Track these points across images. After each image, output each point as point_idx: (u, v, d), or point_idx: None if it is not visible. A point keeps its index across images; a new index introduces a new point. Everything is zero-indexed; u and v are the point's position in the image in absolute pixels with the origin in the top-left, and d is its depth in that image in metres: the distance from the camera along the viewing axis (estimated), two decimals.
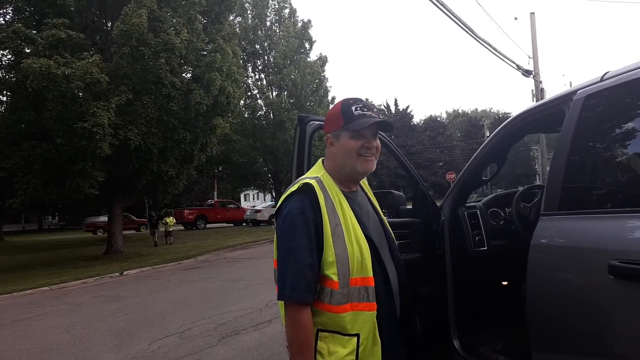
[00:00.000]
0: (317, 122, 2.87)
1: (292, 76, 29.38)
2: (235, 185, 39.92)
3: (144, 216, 36.73)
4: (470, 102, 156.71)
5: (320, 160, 1.95)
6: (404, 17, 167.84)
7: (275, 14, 32.25)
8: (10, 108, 18.53)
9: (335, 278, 1.65)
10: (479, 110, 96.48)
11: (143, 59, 16.05)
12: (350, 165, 1.80)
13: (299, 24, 32.30)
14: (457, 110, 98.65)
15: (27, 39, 15.71)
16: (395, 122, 72.03)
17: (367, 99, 2.24)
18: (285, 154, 28.52)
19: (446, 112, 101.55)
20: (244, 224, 33.51)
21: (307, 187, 1.74)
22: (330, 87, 34.50)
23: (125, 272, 14.17)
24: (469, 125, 77.27)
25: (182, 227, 32.32)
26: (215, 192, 46.75)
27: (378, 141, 1.86)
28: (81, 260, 18.23)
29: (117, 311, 8.82)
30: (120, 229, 19.51)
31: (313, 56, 33.34)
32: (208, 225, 33.28)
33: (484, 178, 3.41)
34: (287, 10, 32.47)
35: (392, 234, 1.99)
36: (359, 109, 1.82)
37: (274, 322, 6.91)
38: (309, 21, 32.62)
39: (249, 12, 31.59)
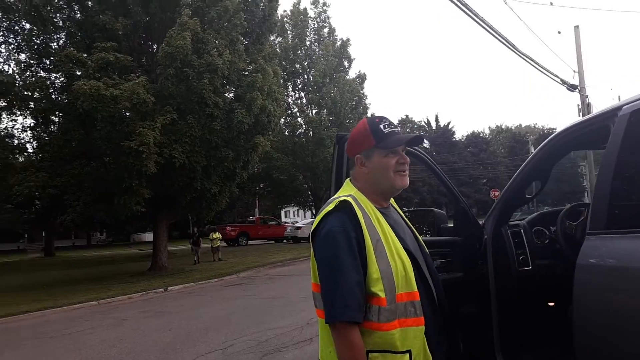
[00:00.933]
0: None
1: (332, 94, 29.67)
2: (276, 202, 40.29)
3: (188, 233, 37.43)
4: (513, 117, 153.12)
5: (347, 180, 1.94)
6: (444, 32, 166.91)
7: (314, 34, 32.74)
8: (62, 128, 19.43)
9: (382, 294, 1.62)
10: (523, 125, 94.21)
11: (187, 79, 16.56)
12: (387, 182, 1.81)
13: (338, 43, 32.68)
14: (501, 125, 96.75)
15: (78, 62, 16.46)
16: (436, 138, 71.32)
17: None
18: (324, 171, 28.66)
19: (489, 127, 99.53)
20: (285, 240, 33.68)
21: (345, 205, 1.72)
22: (370, 104, 34.58)
23: (169, 288, 14.47)
24: (512, 141, 75.50)
25: (224, 244, 32.79)
26: (257, 209, 47.31)
27: (407, 157, 1.88)
28: (127, 275, 18.73)
29: (162, 326, 9.00)
30: (165, 245, 19.99)
31: (352, 74, 33.62)
32: (250, 242, 33.63)
33: (527, 196, 3.34)
34: (326, 30, 32.94)
35: (427, 250, 1.97)
36: (387, 126, 1.82)
37: (314, 341, 6.89)
38: (348, 39, 32.99)
39: (289, 32, 32.21)
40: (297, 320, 8.36)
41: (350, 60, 33.05)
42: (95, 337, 8.53)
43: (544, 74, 17.43)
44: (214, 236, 23.70)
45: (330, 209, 1.73)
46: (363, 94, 32.10)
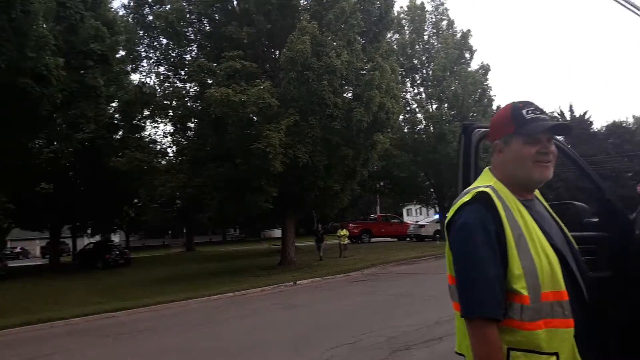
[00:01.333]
0: (484, 129, 2.75)
1: (453, 87, 28.68)
2: (397, 199, 40.01)
3: (313, 230, 38.61)
4: None
5: (487, 168, 1.81)
6: (575, 11, 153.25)
7: (432, 27, 31.87)
8: (197, 133, 21.17)
9: (524, 292, 1.52)
10: None
11: (307, 82, 17.11)
12: (524, 173, 1.66)
13: (458, 35, 31.50)
14: None
15: (209, 71, 17.80)
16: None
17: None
18: (447, 168, 27.84)
19: (633, 116, 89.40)
20: (407, 239, 33.29)
21: (483, 196, 1.62)
22: (494, 95, 32.86)
23: (298, 282, 15.09)
24: None
25: (348, 241, 33.37)
26: (378, 207, 47.41)
27: (554, 146, 1.69)
28: (259, 269, 19.83)
29: (293, 318, 9.42)
30: (292, 241, 20.87)
31: (474, 65, 32.21)
32: (372, 240, 33.81)
33: None
34: (444, 22, 31.92)
35: (576, 246, 1.79)
36: (530, 112, 1.68)
37: (445, 340, 6.74)
38: (469, 30, 31.63)
39: (405, 28, 31.76)
40: (424, 318, 8.24)
41: (471, 52, 31.67)
42: (232, 326, 9.18)
43: None
44: (341, 233, 23.81)
45: (467, 199, 1.64)
46: (487, 85, 30.60)
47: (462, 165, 2.80)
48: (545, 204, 1.86)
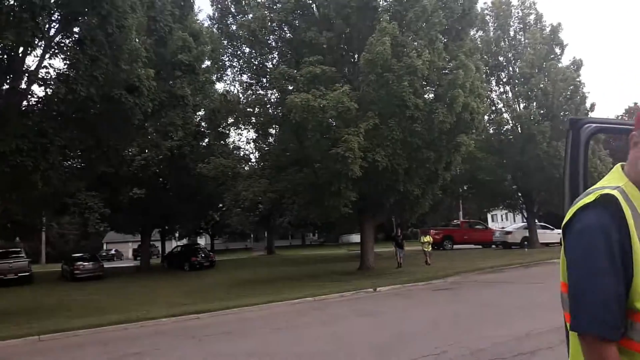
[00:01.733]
0: (595, 125, 2.41)
1: (542, 85, 27.12)
2: (482, 205, 38.53)
3: (392, 235, 38.06)
4: None
5: (618, 165, 1.57)
6: None
7: (519, 22, 30.43)
8: (278, 139, 21.54)
9: None
10: None
11: (387, 84, 16.82)
12: None
13: (547, 29, 29.80)
14: None
15: (289, 78, 18.02)
16: None
17: (635, 103, 1.67)
18: (536, 171, 26.32)
19: None
20: (493, 246, 31.83)
21: (608, 199, 1.40)
22: (588, 92, 30.72)
23: (378, 289, 14.79)
24: None
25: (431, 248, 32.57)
26: (461, 212, 45.89)
27: None
28: (338, 274, 19.75)
29: (374, 326, 9.18)
30: (372, 246, 20.60)
31: (565, 61, 30.31)
32: (454, 247, 32.69)
33: None
34: (532, 17, 30.33)
35: None
36: None
37: (537, 355, 6.24)
38: (559, 24, 29.84)
39: (490, 24, 30.54)
40: (514, 330, 7.69)
41: (562, 47, 29.83)
42: (313, 331, 9.10)
43: None
44: (425, 239, 23.03)
45: (589, 202, 1.42)
46: (579, 81, 28.65)
47: (569, 164, 2.48)
48: None
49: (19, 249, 28.71)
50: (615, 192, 1.41)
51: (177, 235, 45.38)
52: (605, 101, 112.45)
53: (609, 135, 21.09)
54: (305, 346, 7.89)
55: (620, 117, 66.12)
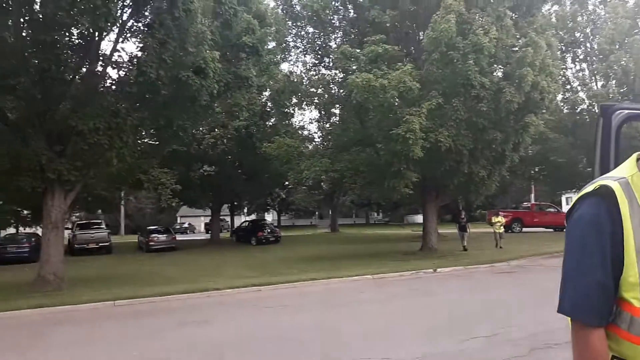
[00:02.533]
0: (627, 111, 2.38)
1: (623, 62, 25.34)
2: (555, 187, 36.88)
3: (455, 217, 37.37)
4: None
5: (634, 155, 1.56)
6: None
7: None
8: (340, 119, 21.65)
9: (637, 304, 1.36)
10: None
11: (452, 62, 16.40)
12: None
13: (631, 2, 27.69)
14: None
15: (352, 57, 17.97)
16: None
17: None
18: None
19: None
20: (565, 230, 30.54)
21: (606, 190, 1.43)
22: None
23: (438, 270, 14.74)
24: None
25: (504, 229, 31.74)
26: (532, 195, 44.15)
27: None
28: (399, 254, 19.79)
29: (430, 306, 9.27)
30: (434, 227, 20.41)
31: None
32: (524, 230, 31.67)
33: None
34: None
35: None
36: None
37: None
38: None
39: None
40: None
41: None
42: (370, 308, 9.33)
43: None
44: (496, 220, 21.82)
45: (589, 191, 1.47)
46: None
47: (600, 152, 2.49)
48: None
49: (100, 221, 31.04)
50: (615, 184, 1.44)
51: (245, 211, 46.88)
52: None
53: None
54: (360, 323, 8.12)
55: None
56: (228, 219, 45.65)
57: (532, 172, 33.16)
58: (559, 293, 1.48)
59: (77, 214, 31.70)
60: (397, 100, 16.78)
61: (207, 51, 15.46)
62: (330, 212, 48.81)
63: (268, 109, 29.75)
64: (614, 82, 26.17)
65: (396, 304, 9.67)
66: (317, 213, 62.87)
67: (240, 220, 43.24)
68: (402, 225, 51.94)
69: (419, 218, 47.20)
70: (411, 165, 16.92)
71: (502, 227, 21.74)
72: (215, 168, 30.02)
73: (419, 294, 10.84)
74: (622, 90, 25.50)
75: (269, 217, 55.59)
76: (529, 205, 35.17)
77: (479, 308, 8.80)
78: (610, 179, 1.48)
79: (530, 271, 14.14)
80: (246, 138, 27.35)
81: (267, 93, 29.14)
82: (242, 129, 26.79)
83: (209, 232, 38.01)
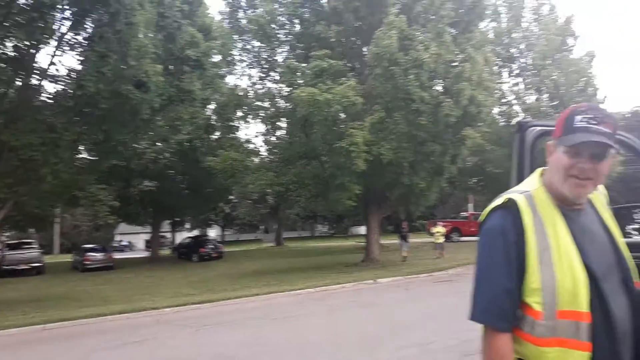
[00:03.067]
0: (540, 127, 2.54)
1: (554, 76, 26.86)
2: (491, 197, 37.79)
3: (397, 228, 38.09)
4: None
5: (538, 170, 1.71)
6: None
7: (532, 13, 30.13)
8: (286, 133, 21.71)
9: (538, 308, 1.46)
10: None
11: (394, 77, 16.82)
12: (558, 184, 1.54)
13: (561, 20, 29.49)
14: None
15: (298, 71, 18.12)
16: None
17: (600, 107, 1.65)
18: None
19: None
20: None
21: (512, 203, 1.55)
22: (601, 84, 30.40)
23: (378, 280, 14.94)
24: None
25: (444, 239, 32.67)
26: (471, 205, 45.67)
27: (603, 165, 1.51)
28: (342, 266, 19.92)
29: (368, 317, 9.34)
30: (377, 238, 20.71)
31: (578, 53, 29.98)
32: (462, 239, 32.70)
33: None
34: (546, 7, 30.00)
35: (631, 262, 1.61)
36: (585, 120, 1.49)
37: None
38: (572, 15, 29.53)
39: (503, 15, 30.26)
40: None
41: (575, 38, 29.54)
42: (309, 321, 9.31)
43: None
44: (436, 230, 22.04)
45: (497, 204, 1.60)
46: (592, 73, 28.34)
47: (516, 165, 2.64)
48: (603, 213, 1.67)
49: (31, 240, 29.42)
50: (520, 197, 1.57)
51: (188, 226, 45.90)
52: (619, 95, 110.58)
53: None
54: (298, 336, 8.08)
55: (636, 109, 64.96)
56: (169, 235, 44.44)
57: (470, 183, 34.27)
58: (471, 300, 1.58)
59: (7, 234, 30.00)
60: (341, 114, 17.05)
61: (150, 64, 15.19)
62: (275, 226, 48.54)
63: (213, 122, 29.36)
64: (546, 95, 27.64)
65: (336, 316, 9.70)
66: (262, 227, 62.33)
67: (183, 236, 42.21)
68: (347, 237, 52.39)
69: (363, 229, 47.83)
70: (354, 178, 17.15)
71: (442, 236, 22.11)
72: (156, 183, 29.22)
73: (359, 305, 10.92)
74: (553, 103, 27.00)
75: (213, 233, 54.69)
76: (467, 215, 36.34)
77: (417, 317, 8.97)
78: (516, 193, 1.61)
79: (466, 279, 14.50)
80: (189, 152, 26.84)
81: (211, 106, 28.80)
82: (185, 143, 26.28)
83: (149, 249, 36.95)
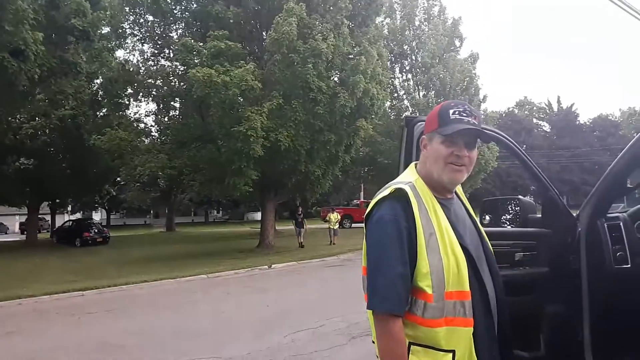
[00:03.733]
0: None
1: (441, 75, 28.66)
2: (381, 186, 39.74)
3: (292, 214, 38.55)
4: None
5: (412, 164, 1.85)
6: (565, 5, 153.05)
7: (424, 13, 31.77)
8: (180, 114, 20.92)
9: (429, 291, 1.56)
10: None
11: (292, 65, 16.91)
12: (437, 172, 1.68)
13: (449, 21, 31.43)
14: (634, 108, 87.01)
15: (194, 51, 17.51)
16: (557, 121, 66.16)
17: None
18: None
19: (620, 110, 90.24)
20: None
21: (400, 193, 1.64)
22: (482, 85, 32.97)
23: (273, 266, 15.08)
24: None
25: (338, 226, 33.72)
26: (362, 193, 47.48)
27: (474, 153, 1.69)
28: (237, 252, 19.79)
29: (261, 302, 9.42)
30: (272, 224, 20.82)
31: (463, 54, 32.22)
32: (353, 225, 33.98)
33: (628, 186, 2.96)
34: (436, 9, 31.80)
35: (490, 246, 1.83)
36: (457, 112, 1.66)
37: None
38: (460, 18, 31.65)
39: (397, 12, 31.56)
40: None
41: (461, 40, 31.69)
42: (200, 308, 9.17)
43: None
44: (331, 217, 22.22)
45: (386, 195, 1.67)
46: (475, 74, 30.63)
47: (404, 159, 2.80)
48: (467, 204, 1.87)
49: None
50: (406, 187, 1.66)
51: (69, 209, 42.74)
52: (499, 94, 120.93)
53: None
54: (188, 323, 7.94)
55: (510, 109, 71.37)
56: (49, 217, 41.04)
57: (362, 172, 35.63)
58: (368, 291, 1.62)
59: None
60: (239, 98, 16.78)
61: (29, 32, 13.80)
62: (166, 211, 46.85)
63: (99, 99, 27.45)
64: (433, 92, 29.39)
65: (228, 303, 9.67)
66: (152, 212, 59.85)
67: (64, 219, 39.20)
68: (242, 222, 52.06)
69: (259, 215, 47.82)
70: (252, 164, 17.05)
71: (337, 223, 22.35)
72: (34, 161, 26.77)
73: (253, 291, 10.97)
74: (439, 100, 28.74)
75: (97, 216, 51.54)
76: (359, 202, 37.81)
77: (308, 301, 9.23)
78: (401, 184, 1.68)
79: (356, 264, 15.16)
80: (73, 129, 24.93)
81: (98, 81, 26.90)
82: (68, 119, 24.35)
83: (25, 232, 33.91)
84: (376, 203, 1.68)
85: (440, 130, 1.66)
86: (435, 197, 1.69)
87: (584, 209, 2.98)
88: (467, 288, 1.60)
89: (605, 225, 2.88)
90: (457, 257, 1.60)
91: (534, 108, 73.62)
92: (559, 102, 69.73)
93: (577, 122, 67.17)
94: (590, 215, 2.92)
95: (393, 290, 1.54)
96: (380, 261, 1.59)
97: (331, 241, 21.70)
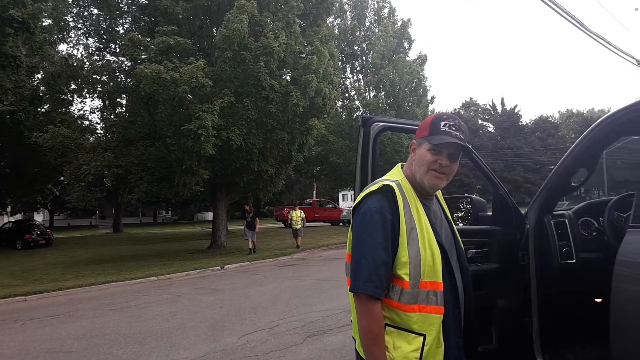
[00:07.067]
0: (382, 124, 2.79)
1: (390, 76, 29.12)
2: (333, 185, 40.42)
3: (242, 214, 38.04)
4: (585, 101, 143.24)
5: (399, 165, 2.01)
6: (509, 11, 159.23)
7: (374, 14, 32.18)
8: (127, 110, 20.28)
9: (406, 278, 1.73)
10: (596, 110, 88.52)
11: (244, 62, 16.74)
12: (420, 176, 1.85)
13: (398, 23, 31.97)
14: (571, 110, 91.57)
15: (142, 46, 17.02)
16: (501, 122, 68.66)
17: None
18: (381, 155, 28.34)
19: (559, 112, 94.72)
20: (341, 223, 33.86)
21: (388, 189, 1.81)
22: (430, 86, 33.72)
23: (225, 266, 14.91)
24: (584, 126, 70.75)
25: (282, 225, 33.55)
26: (315, 192, 47.65)
27: (455, 165, 1.86)
28: (188, 253, 19.43)
29: (214, 303, 9.28)
30: (224, 224, 20.52)
31: (412, 55, 32.89)
32: (307, 224, 33.97)
33: (573, 184, 3.12)
34: (386, 10, 32.27)
35: (462, 244, 2.02)
36: (447, 126, 1.83)
37: None
38: (409, 20, 32.25)
39: (348, 13, 31.82)
40: (345, 303, 8.34)
41: (410, 41, 32.29)
42: (151, 311, 8.93)
43: (618, 55, 16.23)
44: (293, 215, 19.89)
45: (374, 189, 1.83)
46: (423, 75, 31.30)
47: (360, 157, 2.85)
48: (444, 205, 2.06)
49: None
50: (393, 184, 1.83)
51: (9, 210, 40.61)
52: (445, 95, 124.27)
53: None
54: (140, 326, 7.73)
55: (457, 110, 73.57)
56: None
57: (315, 171, 35.80)
58: (352, 275, 1.78)
59: None
60: (189, 95, 16.46)
61: None
62: (113, 211, 45.33)
63: (41, 94, 26.25)
64: (383, 93, 29.84)
65: (179, 304, 9.46)
66: (97, 212, 57.73)
67: (3, 220, 37.23)
68: (193, 223, 51.10)
69: (210, 215, 47.10)
70: (203, 163, 16.77)
71: (300, 222, 19.69)
72: None
73: (205, 292, 10.80)
74: (389, 100, 29.28)
75: (40, 217, 49.27)
76: (311, 201, 37.93)
77: (263, 302, 9.16)
78: (388, 181, 1.85)
79: (310, 263, 15.25)
80: (11, 125, 23.67)
81: (39, 76, 25.72)
82: (7, 115, 23.10)
83: None
84: (365, 196, 1.84)
85: (430, 138, 1.83)
86: (417, 196, 1.88)
87: (531, 207, 3.11)
88: (441, 279, 1.78)
89: (552, 222, 3.03)
90: (433, 251, 1.78)
91: (479, 109, 76.11)
92: (502, 103, 72.43)
93: (520, 123, 69.96)
94: (538, 213, 3.06)
95: (376, 275, 1.70)
96: (366, 248, 1.74)
97: (297, 244, 19.38)
